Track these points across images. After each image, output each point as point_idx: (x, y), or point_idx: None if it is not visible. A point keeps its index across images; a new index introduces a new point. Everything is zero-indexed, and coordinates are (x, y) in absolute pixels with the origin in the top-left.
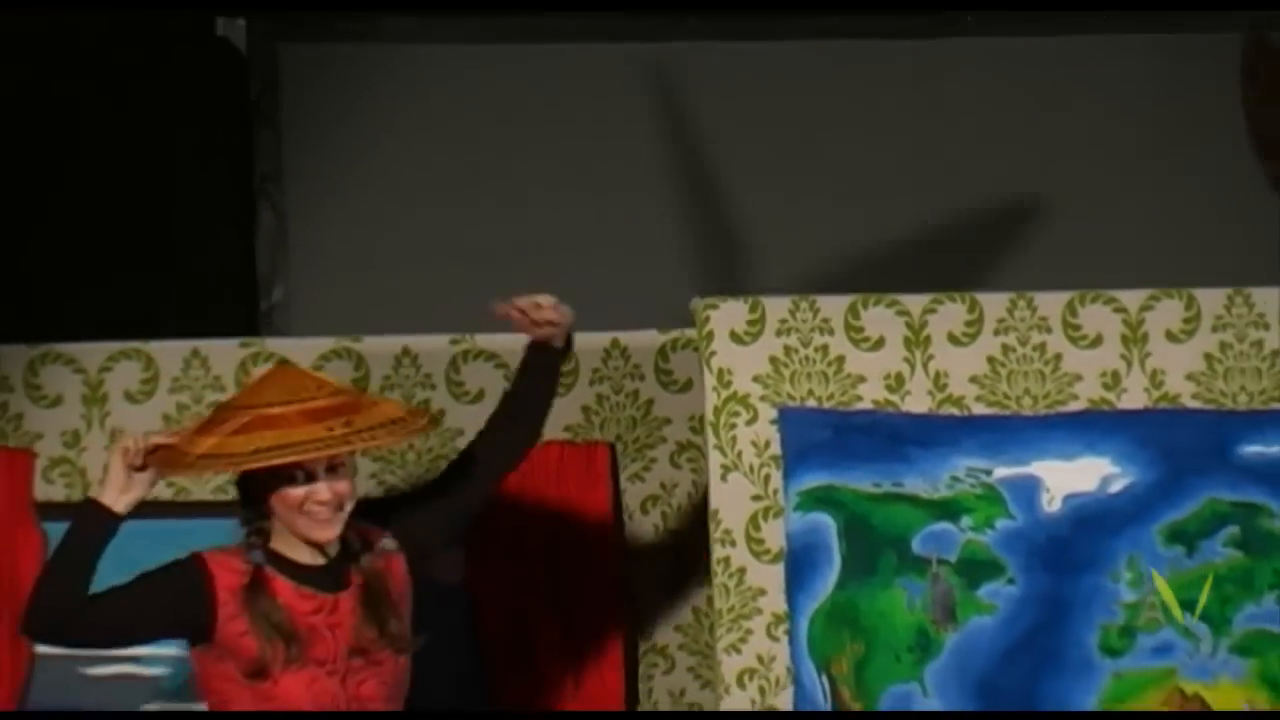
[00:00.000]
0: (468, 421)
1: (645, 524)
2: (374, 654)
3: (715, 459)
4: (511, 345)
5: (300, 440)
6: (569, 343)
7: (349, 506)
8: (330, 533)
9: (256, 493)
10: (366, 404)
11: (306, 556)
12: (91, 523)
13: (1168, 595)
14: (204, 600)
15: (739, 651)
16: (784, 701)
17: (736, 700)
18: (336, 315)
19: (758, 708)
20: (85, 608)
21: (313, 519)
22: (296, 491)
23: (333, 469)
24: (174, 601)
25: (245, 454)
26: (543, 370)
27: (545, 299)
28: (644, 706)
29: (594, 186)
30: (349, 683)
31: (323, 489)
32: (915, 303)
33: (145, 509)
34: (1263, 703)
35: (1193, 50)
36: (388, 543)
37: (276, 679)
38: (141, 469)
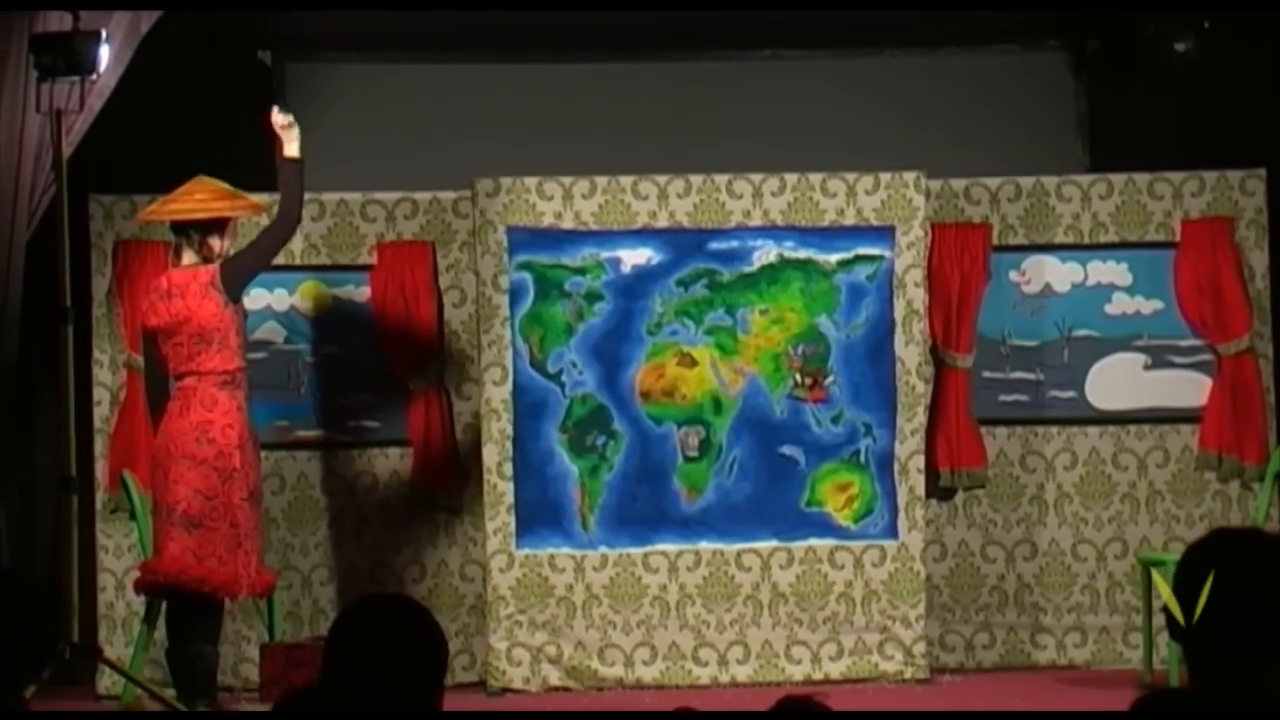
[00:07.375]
0: None
1: (446, 279)
2: None
3: (480, 251)
4: None
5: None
6: (299, 159)
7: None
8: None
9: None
10: (240, 201)
11: None
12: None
13: (1168, 595)
14: None
15: (490, 333)
16: (510, 359)
17: (487, 355)
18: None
19: (491, 361)
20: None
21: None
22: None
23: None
24: None
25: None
26: (288, 175)
27: (281, 117)
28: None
29: None
30: None
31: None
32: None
33: None
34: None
35: None
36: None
37: None
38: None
